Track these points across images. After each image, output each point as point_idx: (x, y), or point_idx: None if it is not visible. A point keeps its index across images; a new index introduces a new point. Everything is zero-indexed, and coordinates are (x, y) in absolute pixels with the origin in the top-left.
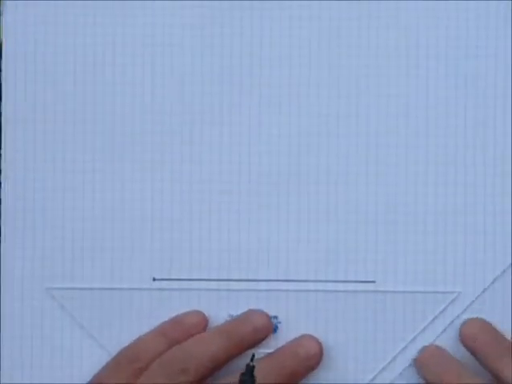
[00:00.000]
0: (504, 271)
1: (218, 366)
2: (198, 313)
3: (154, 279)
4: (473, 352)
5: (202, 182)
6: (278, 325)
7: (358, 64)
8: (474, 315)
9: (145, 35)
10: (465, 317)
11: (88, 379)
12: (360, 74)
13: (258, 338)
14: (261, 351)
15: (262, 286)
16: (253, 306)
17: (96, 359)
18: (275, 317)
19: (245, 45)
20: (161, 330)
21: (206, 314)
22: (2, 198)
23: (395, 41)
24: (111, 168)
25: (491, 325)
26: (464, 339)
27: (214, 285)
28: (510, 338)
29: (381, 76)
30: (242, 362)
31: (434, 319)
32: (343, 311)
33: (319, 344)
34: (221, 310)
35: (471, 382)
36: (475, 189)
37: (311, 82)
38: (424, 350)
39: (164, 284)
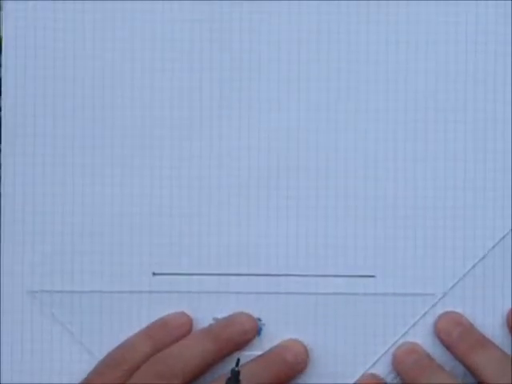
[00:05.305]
0: (504, 266)
1: (205, 368)
2: (183, 314)
3: (154, 274)
4: (448, 346)
5: (201, 177)
6: (262, 327)
7: (357, 60)
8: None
9: (144, 31)
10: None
11: (76, 382)
12: (359, 68)
13: (246, 340)
14: (246, 353)
15: (247, 287)
16: (237, 309)
17: (83, 363)
18: (259, 319)
19: (244, 40)
20: (146, 332)
21: (190, 317)
22: None
23: (395, 36)
24: (110, 163)
25: (466, 318)
26: (439, 333)
27: (198, 287)
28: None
29: (380, 71)
30: (226, 365)
31: (420, 319)
32: (326, 313)
33: (305, 349)
34: (205, 313)
35: (444, 383)
36: (475, 183)
37: (311, 77)
38: (402, 345)
39: (164, 279)
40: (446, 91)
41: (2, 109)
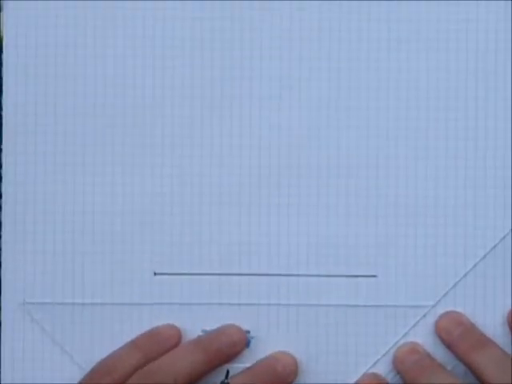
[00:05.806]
0: (504, 265)
1: (195, 379)
2: (172, 326)
3: (155, 274)
4: (448, 346)
5: (202, 175)
6: (251, 339)
7: (358, 57)
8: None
9: (145, 29)
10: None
11: None
12: (360, 66)
13: (235, 352)
14: (235, 366)
15: (237, 299)
16: (226, 321)
17: (71, 376)
18: (248, 331)
19: (245, 38)
20: (135, 343)
21: (179, 328)
22: None
23: (395, 33)
24: (111, 161)
25: (467, 318)
26: (440, 333)
27: (188, 299)
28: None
29: (381, 68)
30: (216, 377)
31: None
32: (314, 325)
33: (295, 360)
34: (194, 325)
35: (445, 382)
36: (475, 182)
37: (312, 75)
38: (403, 345)
39: (165, 279)
40: (447, 89)
41: (4, 107)
